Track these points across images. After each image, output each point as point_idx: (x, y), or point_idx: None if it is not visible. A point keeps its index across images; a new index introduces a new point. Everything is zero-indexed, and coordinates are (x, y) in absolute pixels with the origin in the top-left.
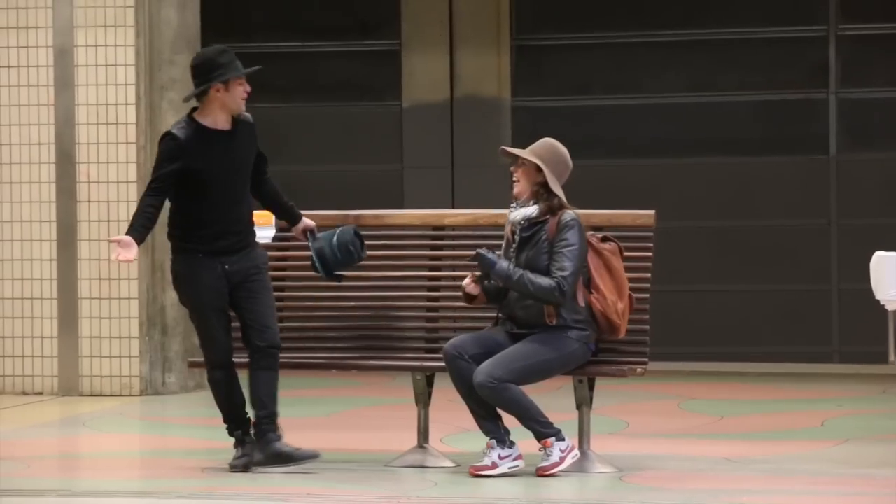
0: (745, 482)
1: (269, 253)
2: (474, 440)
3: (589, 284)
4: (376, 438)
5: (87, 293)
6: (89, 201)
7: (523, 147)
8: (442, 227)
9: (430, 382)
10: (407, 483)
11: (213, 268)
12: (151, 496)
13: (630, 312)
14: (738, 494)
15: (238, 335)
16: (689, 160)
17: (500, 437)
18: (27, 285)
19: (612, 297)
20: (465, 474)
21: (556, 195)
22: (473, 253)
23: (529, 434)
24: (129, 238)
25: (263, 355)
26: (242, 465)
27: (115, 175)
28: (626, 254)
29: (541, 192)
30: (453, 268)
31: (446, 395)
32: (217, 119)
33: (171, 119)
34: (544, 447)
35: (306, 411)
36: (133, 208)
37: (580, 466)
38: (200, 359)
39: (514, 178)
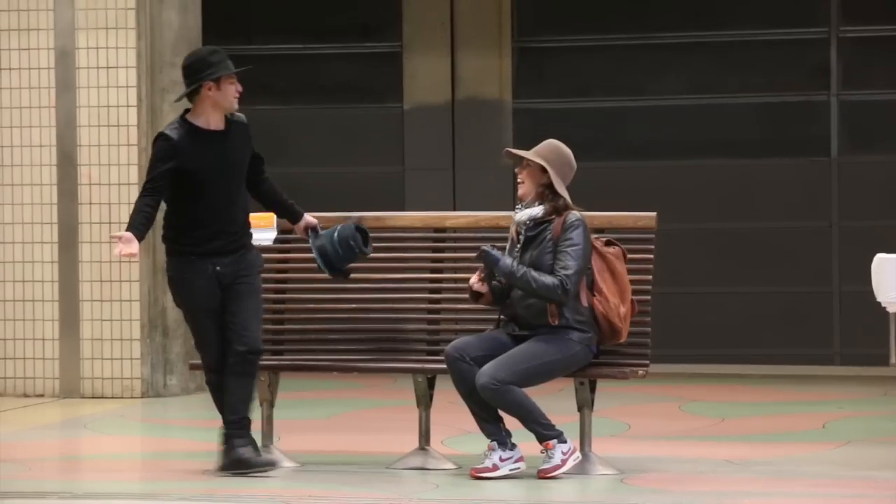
0: (746, 484)
1: (271, 255)
2: (475, 442)
3: (592, 287)
4: (377, 440)
5: (89, 295)
6: (90, 203)
7: (526, 149)
8: (443, 229)
9: (431, 384)
10: (408, 485)
11: (205, 269)
12: (152, 498)
13: (632, 317)
14: (739, 497)
15: None
16: (691, 162)
17: (502, 439)
18: (28, 287)
19: (614, 300)
20: (466, 476)
21: (561, 196)
22: (477, 250)
23: (530, 436)
24: (129, 234)
25: (240, 360)
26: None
27: (117, 177)
28: (627, 256)
29: (546, 193)
30: (455, 270)
31: (447, 398)
32: (210, 119)
33: None
34: (546, 449)
35: (307, 413)
36: None
37: (581, 468)
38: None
39: (519, 180)
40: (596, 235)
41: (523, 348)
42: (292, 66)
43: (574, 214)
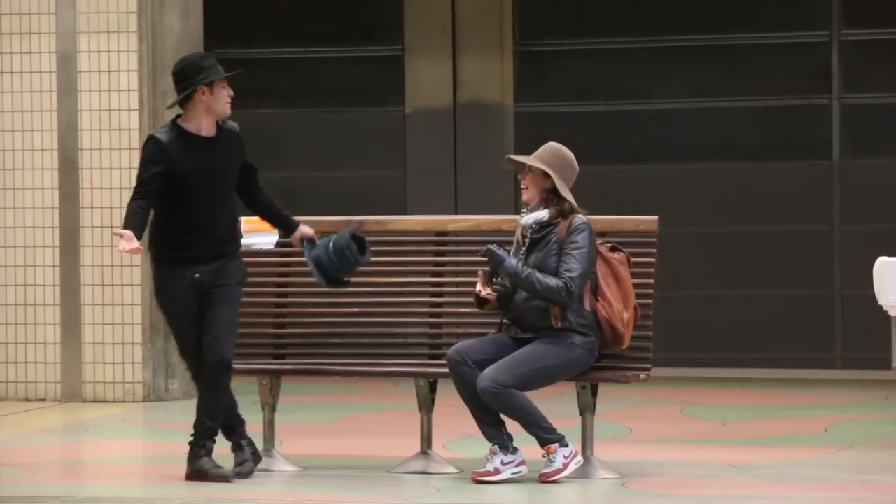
0: (748, 488)
1: (272, 259)
2: (477, 446)
3: (596, 292)
4: (379, 444)
5: (91, 299)
6: (92, 207)
7: (527, 153)
8: (445, 233)
9: (433, 388)
10: (410, 489)
11: (183, 277)
12: (154, 502)
13: (635, 324)
14: (741, 500)
15: None
16: (692, 166)
17: (504, 442)
18: (30, 291)
19: (618, 305)
20: (468, 480)
21: (566, 200)
22: (482, 250)
23: (532, 440)
24: (130, 232)
25: (208, 370)
26: (247, 472)
27: (119, 181)
28: (632, 262)
29: (550, 197)
30: (456, 273)
31: (449, 401)
32: (201, 124)
33: None
34: (547, 453)
35: (309, 417)
36: None
37: (583, 472)
38: None
39: (523, 186)
40: (599, 240)
41: (525, 351)
42: (294, 70)
43: (580, 218)
